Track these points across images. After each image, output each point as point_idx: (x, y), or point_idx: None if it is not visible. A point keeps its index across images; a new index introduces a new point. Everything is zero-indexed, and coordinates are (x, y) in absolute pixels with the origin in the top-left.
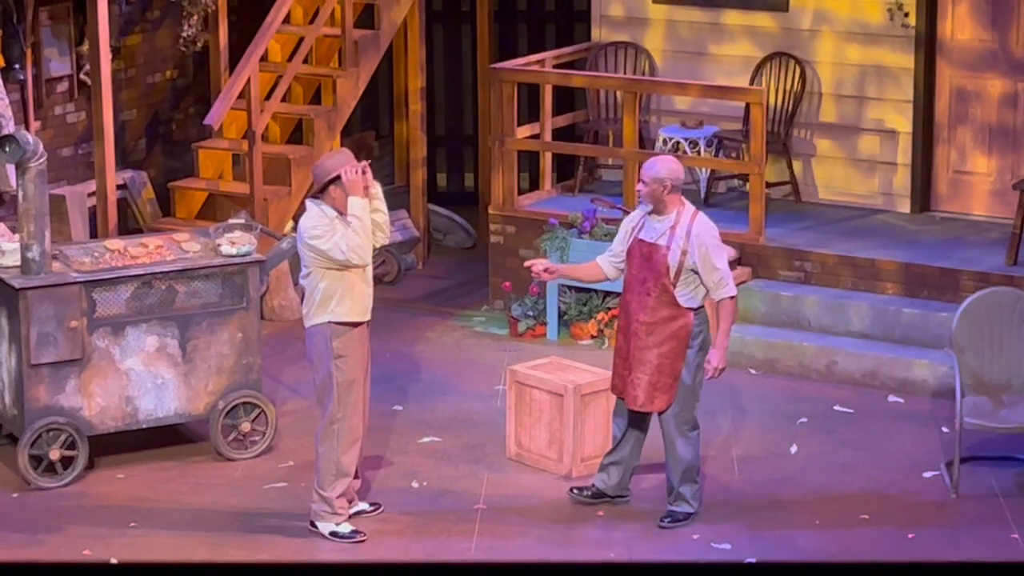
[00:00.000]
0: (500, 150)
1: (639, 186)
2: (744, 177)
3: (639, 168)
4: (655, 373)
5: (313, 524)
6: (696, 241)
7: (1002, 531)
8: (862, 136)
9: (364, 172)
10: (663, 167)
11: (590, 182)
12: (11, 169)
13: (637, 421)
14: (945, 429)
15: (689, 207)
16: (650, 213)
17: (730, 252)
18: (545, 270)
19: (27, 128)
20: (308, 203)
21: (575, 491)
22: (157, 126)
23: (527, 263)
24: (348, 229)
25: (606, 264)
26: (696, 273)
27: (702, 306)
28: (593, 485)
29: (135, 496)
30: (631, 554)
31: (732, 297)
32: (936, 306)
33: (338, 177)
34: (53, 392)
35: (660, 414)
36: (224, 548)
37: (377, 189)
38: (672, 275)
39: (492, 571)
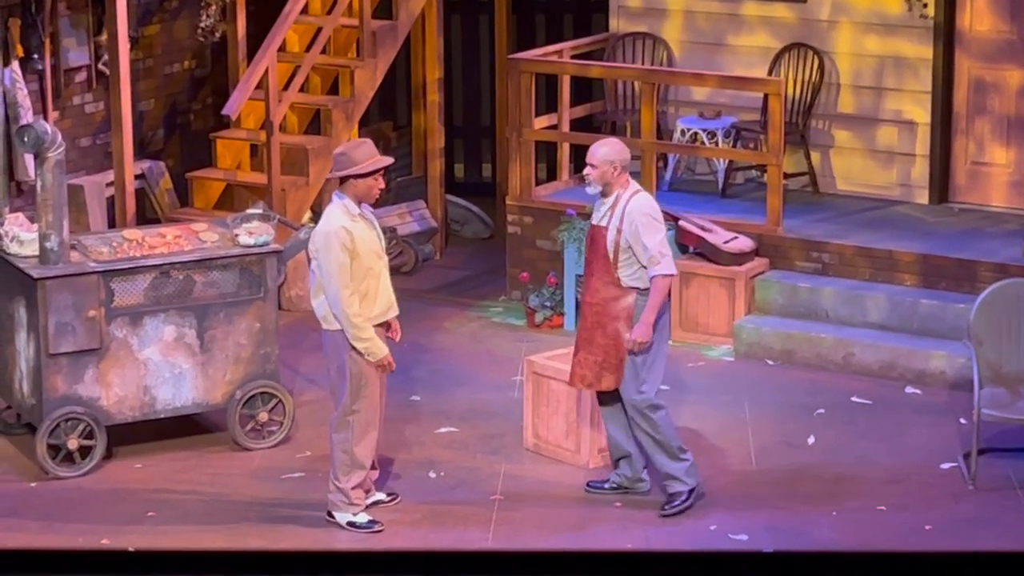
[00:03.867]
0: (518, 141)
1: (587, 170)
2: (762, 168)
3: (655, 159)
4: (601, 353)
5: (330, 514)
6: (628, 218)
7: (1019, 522)
8: (880, 127)
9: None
10: (612, 149)
11: None
12: (30, 159)
13: (617, 412)
14: (963, 421)
15: (633, 186)
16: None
17: (747, 243)
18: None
19: (45, 118)
20: (334, 196)
21: (592, 487)
22: (175, 116)
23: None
24: (343, 319)
25: None
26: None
27: (648, 287)
28: (610, 479)
29: (153, 486)
30: (648, 544)
31: (665, 276)
32: (954, 297)
33: (361, 176)
34: (71, 382)
35: (612, 394)
36: (242, 538)
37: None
38: (611, 255)
39: (509, 561)
